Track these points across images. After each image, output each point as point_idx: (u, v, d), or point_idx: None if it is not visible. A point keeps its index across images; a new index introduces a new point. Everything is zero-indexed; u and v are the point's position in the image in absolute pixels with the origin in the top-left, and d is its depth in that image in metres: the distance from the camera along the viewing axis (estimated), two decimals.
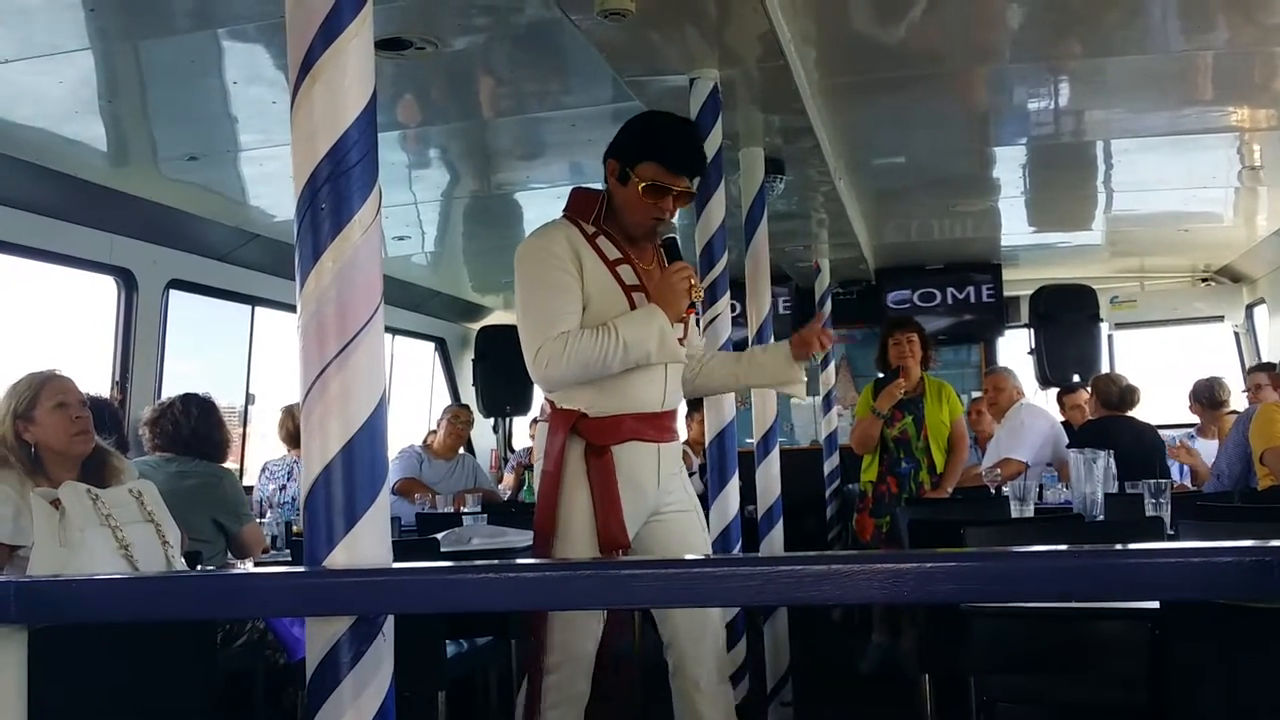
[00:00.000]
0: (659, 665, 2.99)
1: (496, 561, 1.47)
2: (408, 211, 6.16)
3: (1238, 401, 6.35)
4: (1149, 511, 3.81)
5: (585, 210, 2.97)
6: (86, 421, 3.20)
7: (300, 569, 1.71)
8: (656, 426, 2.95)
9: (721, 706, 2.96)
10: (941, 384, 5.60)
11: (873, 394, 5.49)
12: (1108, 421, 5.56)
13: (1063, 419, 6.53)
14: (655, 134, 2.97)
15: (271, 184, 5.30)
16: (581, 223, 2.95)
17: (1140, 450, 5.27)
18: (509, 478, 7.68)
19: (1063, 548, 1.30)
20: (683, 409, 3.27)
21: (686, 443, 6.25)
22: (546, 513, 2.87)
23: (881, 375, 5.62)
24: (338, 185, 1.54)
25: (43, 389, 3.14)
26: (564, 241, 2.88)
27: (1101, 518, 3.92)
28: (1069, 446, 5.39)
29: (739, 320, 4.73)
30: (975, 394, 7.35)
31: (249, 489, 5.47)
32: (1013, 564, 1.23)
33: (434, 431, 7.16)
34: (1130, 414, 5.64)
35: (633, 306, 2.87)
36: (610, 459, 2.87)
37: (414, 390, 9.04)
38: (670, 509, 3.01)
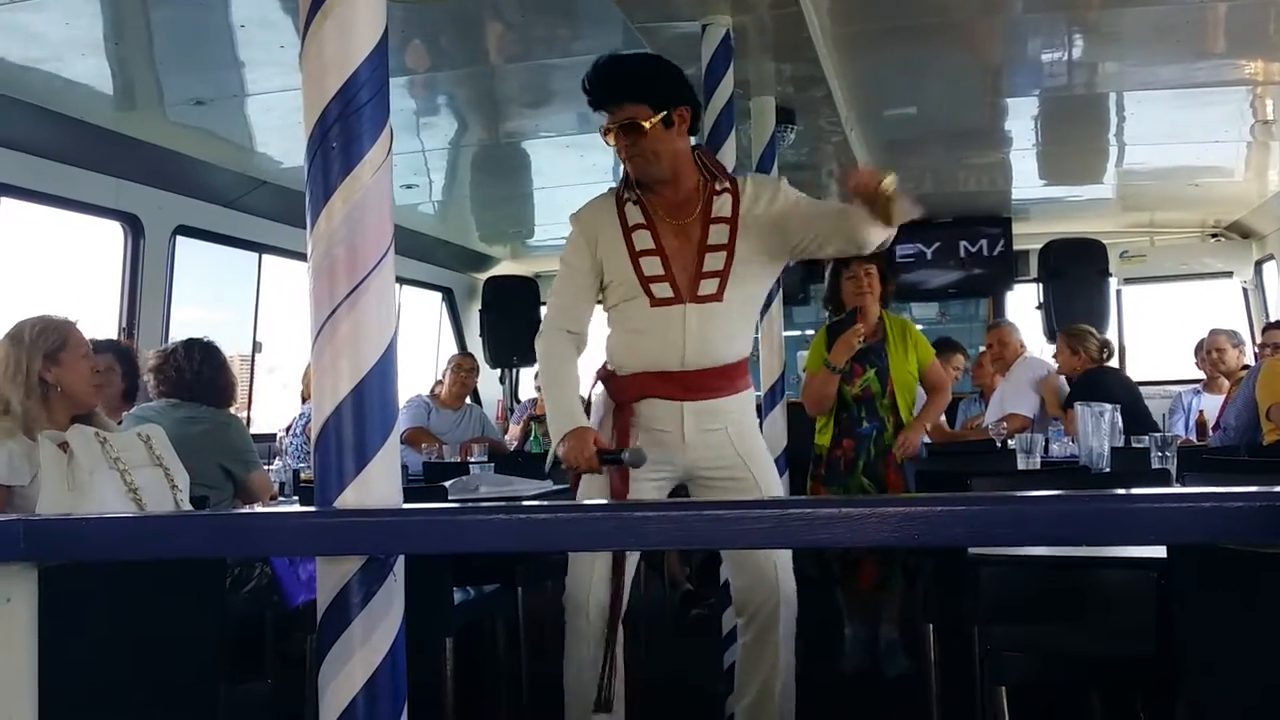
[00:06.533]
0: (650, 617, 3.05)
1: (506, 503, 1.47)
2: (415, 160, 6.13)
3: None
4: (1155, 464, 3.82)
5: (626, 176, 3.09)
6: (101, 376, 3.26)
7: (311, 509, 1.71)
8: (679, 385, 3.01)
9: (769, 649, 3.06)
10: (904, 323, 4.63)
11: (826, 342, 4.51)
12: (1096, 373, 5.57)
13: None
14: None
15: (279, 130, 5.27)
16: (622, 190, 3.09)
17: (1130, 401, 5.27)
18: (515, 428, 7.68)
19: (1072, 492, 1.30)
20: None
21: None
22: None
23: (836, 319, 4.62)
24: (348, 124, 1.53)
25: (70, 335, 3.17)
26: (588, 218, 3.09)
27: (1108, 470, 3.93)
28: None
29: None
30: (982, 348, 7.32)
31: (264, 437, 5.48)
32: (1021, 507, 1.23)
33: (440, 381, 7.17)
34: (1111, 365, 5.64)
35: (639, 271, 2.99)
36: (629, 412, 3.04)
37: (421, 340, 9.04)
38: (713, 474, 3.05)
